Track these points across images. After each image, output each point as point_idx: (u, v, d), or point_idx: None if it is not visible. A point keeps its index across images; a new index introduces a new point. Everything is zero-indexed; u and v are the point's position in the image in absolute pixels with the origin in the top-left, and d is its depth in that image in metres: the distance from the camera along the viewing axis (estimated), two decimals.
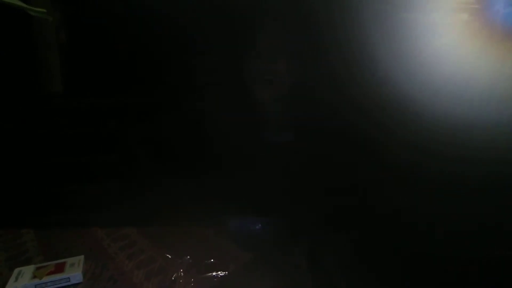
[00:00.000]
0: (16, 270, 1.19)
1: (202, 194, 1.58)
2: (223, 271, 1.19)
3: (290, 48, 1.55)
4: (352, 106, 1.36)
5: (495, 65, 1.18)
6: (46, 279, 1.15)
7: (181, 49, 1.65)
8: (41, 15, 0.88)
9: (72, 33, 1.72)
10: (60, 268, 1.20)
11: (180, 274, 1.18)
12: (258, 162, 1.60)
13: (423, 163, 1.27)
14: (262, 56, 1.58)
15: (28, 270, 1.19)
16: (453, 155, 1.20)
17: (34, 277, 1.16)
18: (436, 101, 1.23)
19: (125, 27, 1.63)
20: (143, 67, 1.68)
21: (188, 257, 1.26)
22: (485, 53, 1.18)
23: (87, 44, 1.69)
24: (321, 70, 1.47)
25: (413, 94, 1.25)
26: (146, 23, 1.59)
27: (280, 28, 1.54)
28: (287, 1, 1.49)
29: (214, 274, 1.18)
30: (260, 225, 1.46)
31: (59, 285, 1.16)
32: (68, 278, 1.17)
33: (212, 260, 1.25)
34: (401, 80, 1.27)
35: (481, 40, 1.19)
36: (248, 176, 1.59)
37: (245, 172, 1.60)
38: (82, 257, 1.26)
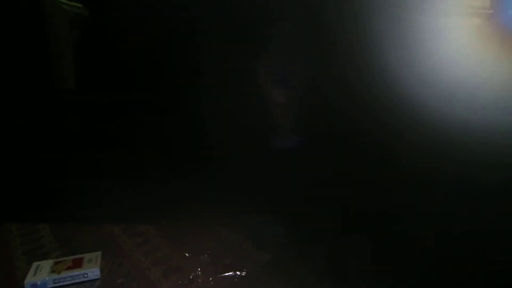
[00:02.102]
0: (35, 265, 1.20)
1: (219, 192, 1.57)
2: (241, 271, 1.17)
3: (299, 51, 1.54)
4: (362, 109, 1.35)
5: (507, 70, 1.16)
6: (64, 274, 1.15)
7: (192, 49, 1.65)
8: (76, 9, 0.87)
9: (85, 30, 1.72)
10: (78, 264, 1.20)
11: (198, 273, 1.17)
12: (273, 162, 1.59)
13: (434, 166, 1.25)
14: (270, 58, 1.57)
15: (46, 265, 1.19)
16: (462, 158, 1.18)
17: (52, 271, 1.16)
18: (446, 104, 1.21)
19: (135, 25, 1.63)
20: (153, 65, 1.69)
21: (206, 255, 1.25)
22: (496, 57, 1.16)
23: (98, 41, 1.70)
24: (330, 72, 1.46)
25: (423, 97, 1.24)
26: (157, 21, 1.59)
27: (289, 30, 1.53)
28: (296, 3, 1.48)
29: (232, 274, 1.16)
30: (278, 225, 1.44)
31: (77, 281, 1.16)
32: (86, 273, 1.17)
33: (230, 259, 1.23)
34: (412, 84, 1.26)
35: (492, 44, 1.17)
36: (265, 176, 1.58)
37: (261, 172, 1.59)
38: (99, 253, 1.26)
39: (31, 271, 1.16)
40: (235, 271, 1.18)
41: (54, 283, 1.14)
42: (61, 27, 1.68)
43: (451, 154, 1.20)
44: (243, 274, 1.17)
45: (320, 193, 1.50)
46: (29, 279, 1.13)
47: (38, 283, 1.12)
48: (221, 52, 1.61)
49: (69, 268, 1.18)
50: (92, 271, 1.17)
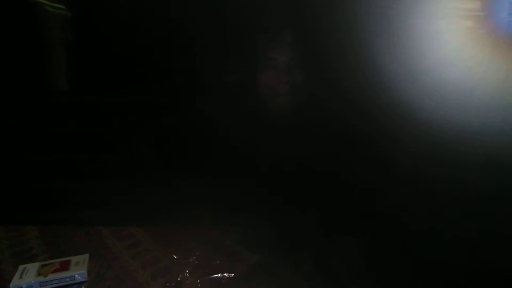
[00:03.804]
0: (21, 267, 1.18)
1: (208, 193, 1.57)
2: (229, 273, 1.17)
3: (295, 53, 1.55)
4: (356, 110, 1.36)
5: (500, 72, 1.17)
6: (51, 276, 1.14)
7: (187, 49, 1.65)
8: (59, 11, 0.86)
9: (79, 31, 1.72)
10: (65, 266, 1.19)
11: (186, 275, 1.17)
12: (263, 163, 1.59)
13: (428, 168, 1.26)
14: (267, 59, 1.57)
15: (32, 268, 1.18)
16: (458, 161, 1.19)
17: (39, 274, 1.15)
18: (440, 107, 1.23)
19: (131, 26, 1.63)
20: (149, 66, 1.69)
21: (194, 257, 1.25)
22: (489, 60, 1.17)
23: (93, 42, 1.70)
24: (325, 75, 1.47)
25: (416, 99, 1.25)
26: (153, 22, 1.59)
27: (284, 32, 1.54)
28: (292, 5, 1.49)
29: (220, 275, 1.16)
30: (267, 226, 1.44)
31: (64, 283, 1.15)
32: (73, 276, 1.16)
33: (218, 261, 1.23)
34: (405, 86, 1.27)
35: (485, 47, 1.19)
36: (254, 176, 1.59)
37: (251, 173, 1.59)
38: (87, 255, 1.25)
39: (17, 274, 1.15)
40: (223, 273, 1.17)
41: (41, 286, 1.13)
42: (52, 30, 1.68)
43: (444, 156, 1.21)
44: (231, 276, 1.17)
45: (311, 194, 1.50)
46: (15, 282, 1.11)
47: (24, 286, 1.11)
48: (215, 52, 1.62)
49: (56, 271, 1.17)
50: (79, 274, 1.16)
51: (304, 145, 1.54)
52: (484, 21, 1.21)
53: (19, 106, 1.70)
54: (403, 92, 1.26)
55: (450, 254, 1.21)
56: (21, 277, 1.14)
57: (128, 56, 1.67)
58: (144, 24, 1.61)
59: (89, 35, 1.69)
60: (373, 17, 1.30)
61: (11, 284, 1.11)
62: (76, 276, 1.16)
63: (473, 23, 1.22)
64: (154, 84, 1.70)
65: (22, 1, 1.61)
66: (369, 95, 1.33)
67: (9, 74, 1.66)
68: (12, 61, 1.65)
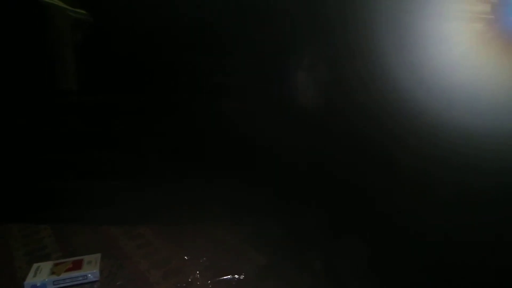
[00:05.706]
0: (35, 266, 1.20)
1: (218, 194, 1.57)
2: (239, 275, 1.18)
3: (305, 54, 1.55)
4: (362, 111, 1.35)
5: (508, 74, 1.16)
6: (64, 275, 1.16)
7: (195, 50, 1.66)
8: (81, 16, 0.87)
9: (87, 33, 1.73)
10: (77, 265, 1.20)
11: (197, 276, 1.17)
12: (271, 164, 1.59)
13: (434, 170, 1.25)
14: (278, 60, 1.57)
15: (46, 266, 1.20)
16: (464, 163, 1.18)
17: (52, 273, 1.17)
18: (448, 109, 1.22)
19: (139, 26, 1.64)
20: (157, 67, 1.70)
21: (205, 258, 1.26)
22: (497, 62, 1.16)
23: (100, 43, 1.71)
24: (332, 77, 1.47)
25: (424, 101, 1.24)
26: (162, 22, 1.60)
27: (295, 34, 1.54)
28: (302, 7, 1.49)
29: (230, 277, 1.17)
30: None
31: (77, 282, 1.17)
32: (86, 275, 1.17)
33: (228, 263, 1.24)
34: (413, 88, 1.26)
35: (494, 50, 1.18)
36: (263, 178, 1.59)
37: (259, 175, 1.60)
38: (99, 255, 1.27)
39: (31, 272, 1.17)
40: (233, 274, 1.18)
41: (54, 284, 1.15)
42: (64, 31, 1.70)
43: (450, 158, 1.20)
44: (241, 278, 1.17)
45: (317, 195, 1.50)
46: (29, 280, 1.13)
47: (38, 284, 1.13)
48: (216, 51, 1.63)
49: (69, 269, 1.19)
50: (92, 273, 1.18)
51: (313, 146, 1.54)
52: (492, 24, 1.20)
53: (30, 106, 1.72)
54: (411, 93, 1.25)
55: (452, 255, 1.21)
56: (35, 275, 1.16)
57: (135, 56, 1.68)
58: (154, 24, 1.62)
59: (97, 37, 1.70)
60: (384, 20, 1.29)
61: (25, 282, 1.13)
62: (89, 275, 1.17)
63: (482, 25, 1.21)
64: (164, 83, 1.71)
65: (32, 2, 1.63)
66: (377, 96, 1.32)
67: (18, 75, 1.68)
68: (19, 61, 1.67)
